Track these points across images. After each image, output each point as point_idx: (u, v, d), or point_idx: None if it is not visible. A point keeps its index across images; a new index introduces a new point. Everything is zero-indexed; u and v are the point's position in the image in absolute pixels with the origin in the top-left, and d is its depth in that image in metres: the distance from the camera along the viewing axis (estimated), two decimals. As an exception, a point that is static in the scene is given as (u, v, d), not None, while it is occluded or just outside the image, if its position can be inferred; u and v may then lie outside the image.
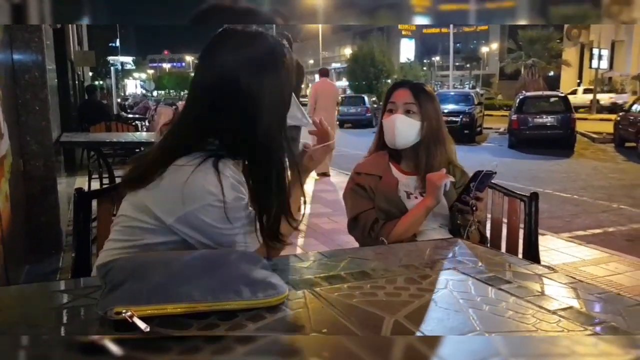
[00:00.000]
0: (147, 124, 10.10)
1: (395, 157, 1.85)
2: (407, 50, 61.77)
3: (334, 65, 66.40)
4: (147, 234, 1.05)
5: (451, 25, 28.38)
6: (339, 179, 7.31)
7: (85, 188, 4.97)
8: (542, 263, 2.18)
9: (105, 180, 4.11)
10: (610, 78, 33.25)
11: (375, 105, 22.50)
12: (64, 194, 4.12)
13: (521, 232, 1.89)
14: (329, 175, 7.82)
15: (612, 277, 3.40)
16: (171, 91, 65.31)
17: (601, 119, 18.90)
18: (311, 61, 63.43)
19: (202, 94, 1.05)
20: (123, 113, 13.12)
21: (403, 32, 64.88)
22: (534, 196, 1.85)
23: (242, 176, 1.06)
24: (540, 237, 2.29)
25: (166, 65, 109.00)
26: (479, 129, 15.63)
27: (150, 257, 0.90)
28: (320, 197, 6.17)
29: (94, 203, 1.47)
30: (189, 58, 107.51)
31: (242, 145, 1.05)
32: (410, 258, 1.18)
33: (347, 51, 42.67)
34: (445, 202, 1.76)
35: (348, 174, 7.91)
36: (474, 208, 1.63)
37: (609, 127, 13.49)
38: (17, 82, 3.02)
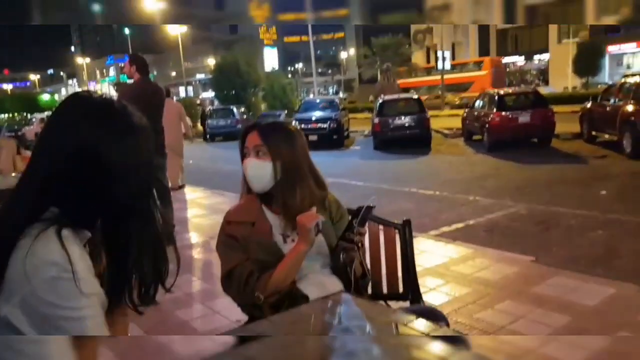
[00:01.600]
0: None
1: (266, 198, 1.73)
2: (270, 58, 62.45)
3: (199, 76, 64.60)
4: None
5: (310, 33, 29.18)
6: (215, 200, 7.01)
7: None
8: (421, 268, 2.19)
9: None
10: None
11: (245, 116, 22.24)
12: None
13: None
14: (182, 187, 7.93)
15: (478, 273, 3.63)
16: (16, 115, 58.17)
17: (450, 115, 20.84)
18: (173, 73, 61.15)
19: (47, 162, 0.95)
20: None
21: (265, 41, 65.56)
22: (407, 223, 1.85)
23: (84, 249, 0.94)
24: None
25: (7, 86, 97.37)
26: (346, 133, 16.26)
27: None
28: (195, 223, 5.83)
29: None
30: (33, 76, 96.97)
31: (93, 214, 0.98)
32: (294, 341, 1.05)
33: (211, 61, 41.77)
34: (323, 239, 1.68)
35: (221, 193, 7.51)
36: (359, 245, 1.58)
37: (458, 123, 14.89)
38: None
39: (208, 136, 21.22)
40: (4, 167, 7.07)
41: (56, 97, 63.80)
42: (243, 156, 1.71)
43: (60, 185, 0.94)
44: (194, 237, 5.21)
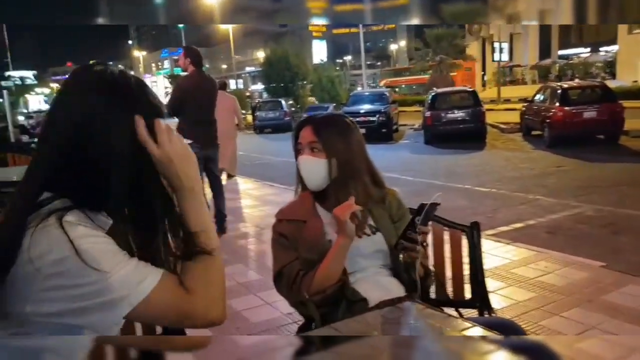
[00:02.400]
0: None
1: (320, 195, 1.64)
2: (319, 51, 62.50)
3: (248, 68, 65.57)
4: None
5: (360, 25, 28.91)
6: (265, 192, 7.02)
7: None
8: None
9: None
10: (511, 69, 35.67)
11: (293, 109, 22.31)
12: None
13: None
14: (233, 176, 8.12)
15: (542, 277, 3.41)
16: (78, 105, 61.03)
17: (506, 109, 20.07)
18: (224, 65, 62.41)
19: (52, 144, 0.90)
20: (24, 137, 11.79)
21: (314, 34, 65.66)
22: (475, 226, 1.71)
23: (97, 229, 0.89)
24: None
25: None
26: (395, 126, 15.98)
27: None
28: (246, 214, 5.85)
29: None
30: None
31: (97, 194, 0.90)
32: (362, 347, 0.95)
33: (261, 54, 42.27)
34: (382, 238, 1.59)
35: (271, 184, 7.49)
36: (423, 244, 1.46)
37: (515, 117, 14.29)
38: None
39: (257, 129, 21.46)
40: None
41: (115, 88, 66.21)
42: (297, 152, 1.63)
43: (66, 163, 0.89)
44: (245, 227, 5.22)
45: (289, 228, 1.60)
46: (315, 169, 1.58)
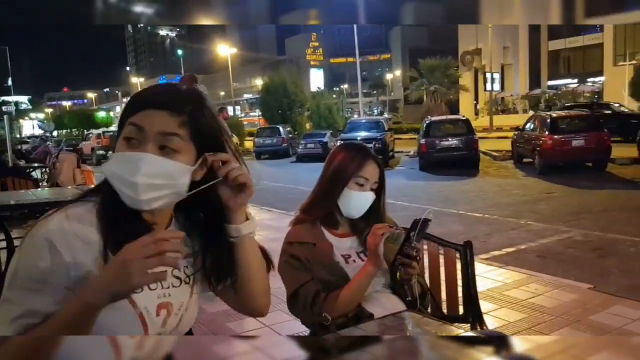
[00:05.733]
0: (47, 172, 9.19)
1: (328, 221, 1.77)
2: (316, 79, 63.53)
3: (246, 96, 66.33)
4: None
5: (357, 54, 29.47)
6: (263, 216, 7.14)
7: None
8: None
9: (2, 244, 3.59)
10: (502, 98, 36.37)
11: (290, 135, 22.58)
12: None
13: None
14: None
15: (533, 299, 3.55)
16: (73, 130, 61.25)
17: (498, 137, 20.44)
18: (222, 92, 63.04)
19: None
20: (21, 162, 11.95)
21: (312, 62, 66.89)
22: (468, 245, 1.87)
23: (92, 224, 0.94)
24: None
25: (66, 103, 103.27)
26: (391, 153, 16.24)
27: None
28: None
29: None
30: (90, 94, 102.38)
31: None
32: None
33: (259, 82, 42.89)
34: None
35: (268, 209, 7.59)
36: (418, 258, 1.56)
37: (506, 145, 14.60)
38: None
39: (254, 154, 21.66)
40: (64, 180, 7.48)
41: (111, 114, 66.82)
42: (345, 182, 1.69)
43: None
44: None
45: (300, 250, 1.69)
46: (368, 204, 1.71)
